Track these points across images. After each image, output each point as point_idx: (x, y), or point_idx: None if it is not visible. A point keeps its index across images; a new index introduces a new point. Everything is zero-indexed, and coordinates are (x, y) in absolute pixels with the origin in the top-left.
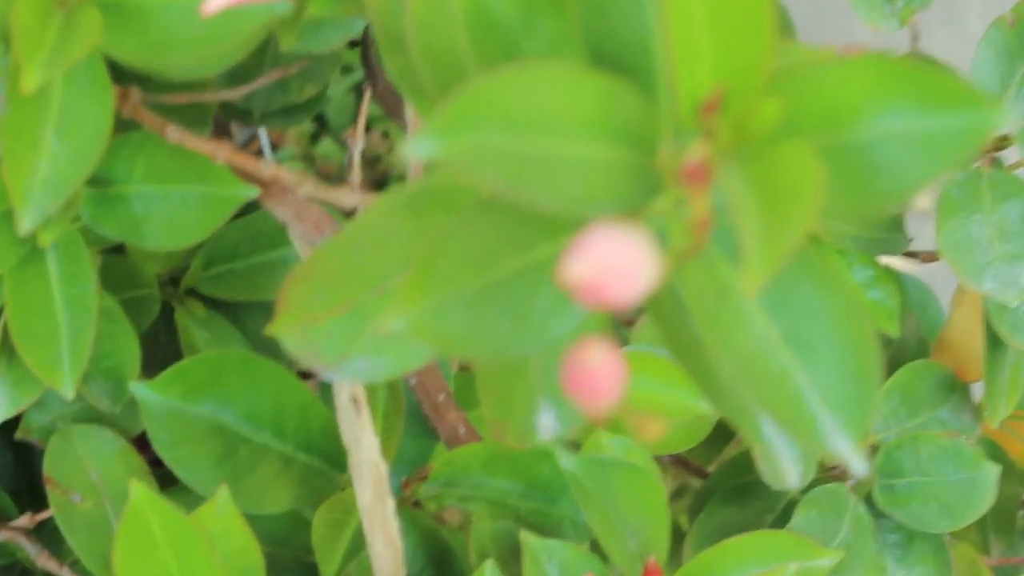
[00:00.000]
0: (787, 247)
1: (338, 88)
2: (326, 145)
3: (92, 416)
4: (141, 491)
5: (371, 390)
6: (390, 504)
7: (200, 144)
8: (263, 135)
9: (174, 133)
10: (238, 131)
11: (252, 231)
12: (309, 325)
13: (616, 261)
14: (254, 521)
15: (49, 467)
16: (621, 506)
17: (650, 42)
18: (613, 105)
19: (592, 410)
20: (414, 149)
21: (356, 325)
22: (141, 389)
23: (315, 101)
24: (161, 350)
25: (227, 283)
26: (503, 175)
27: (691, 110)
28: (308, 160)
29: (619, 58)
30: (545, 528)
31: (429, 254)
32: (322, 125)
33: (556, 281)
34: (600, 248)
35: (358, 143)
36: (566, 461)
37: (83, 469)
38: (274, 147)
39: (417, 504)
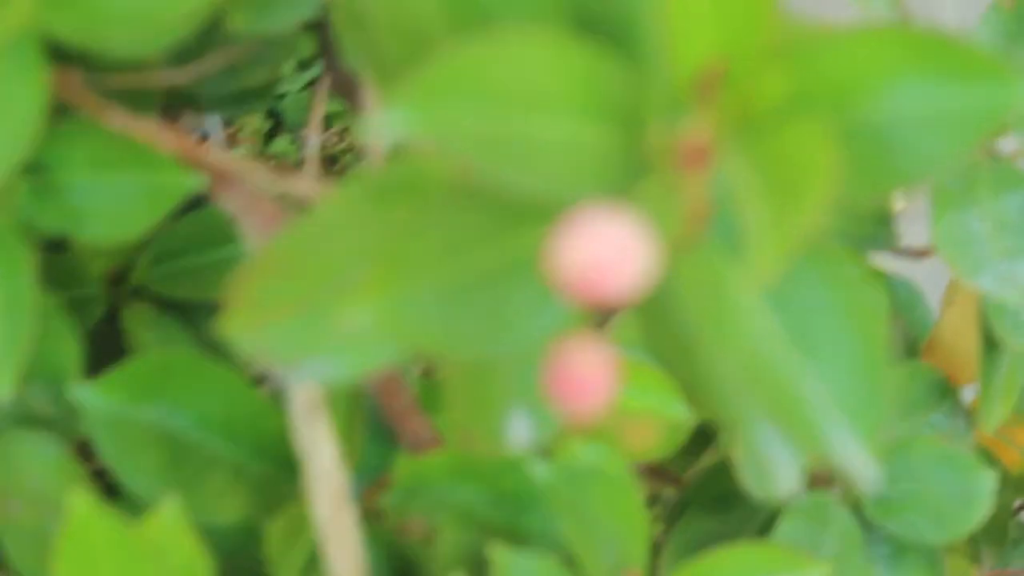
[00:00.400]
0: (796, 237)
1: (294, 84)
2: (282, 143)
3: (33, 420)
4: (81, 500)
5: (330, 394)
6: (350, 515)
7: (144, 129)
8: (216, 124)
9: (117, 118)
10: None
11: (204, 226)
12: (264, 324)
13: (608, 250)
14: (205, 533)
15: None
16: (597, 517)
17: (642, 7)
18: (599, 78)
19: (579, 415)
20: (379, 124)
21: (315, 323)
22: (82, 392)
23: (268, 88)
24: (107, 353)
25: (177, 281)
26: (479, 155)
27: (688, 83)
28: (263, 159)
29: (607, 26)
30: (515, 540)
31: (397, 243)
32: (278, 123)
33: (537, 273)
34: (591, 235)
35: (313, 131)
36: (538, 470)
37: (22, 476)
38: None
39: (378, 515)
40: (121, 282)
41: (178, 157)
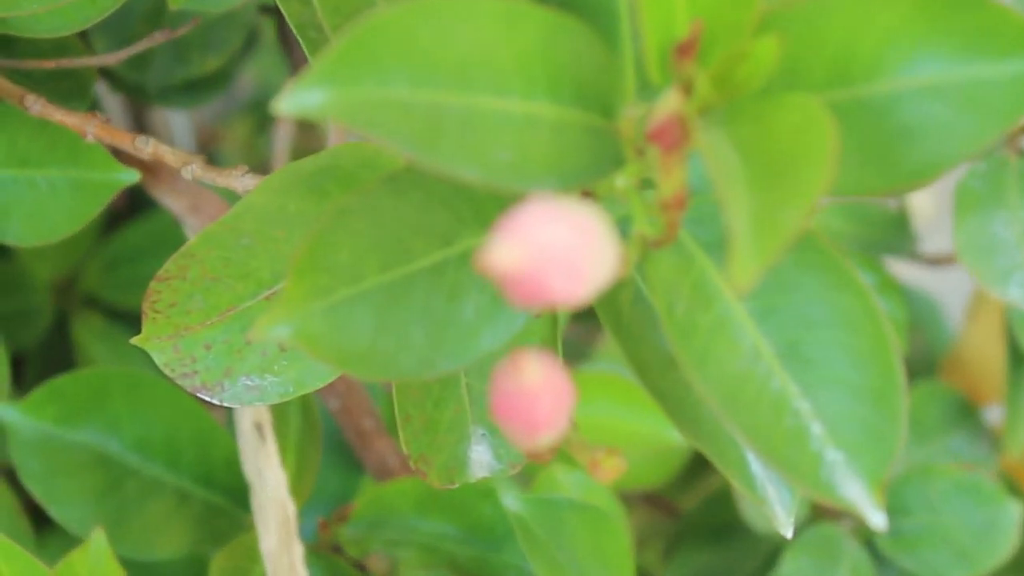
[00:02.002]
0: (787, 232)
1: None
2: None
3: None
4: None
5: (281, 414)
6: (297, 550)
7: (66, 117)
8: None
9: (35, 104)
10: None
11: (159, 229)
12: (183, 335)
13: (558, 244)
14: (143, 569)
15: None
16: (576, 554)
17: None
18: (560, 48)
19: (527, 443)
20: (289, 101)
21: (241, 336)
22: (6, 411)
23: (222, 77)
24: (53, 368)
25: (131, 290)
26: (411, 137)
27: (662, 55)
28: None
29: None
30: None
31: (320, 240)
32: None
33: (482, 273)
34: (538, 226)
35: (282, 123)
36: (509, 501)
37: None
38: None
39: (337, 549)
40: (69, 290)
41: (107, 151)
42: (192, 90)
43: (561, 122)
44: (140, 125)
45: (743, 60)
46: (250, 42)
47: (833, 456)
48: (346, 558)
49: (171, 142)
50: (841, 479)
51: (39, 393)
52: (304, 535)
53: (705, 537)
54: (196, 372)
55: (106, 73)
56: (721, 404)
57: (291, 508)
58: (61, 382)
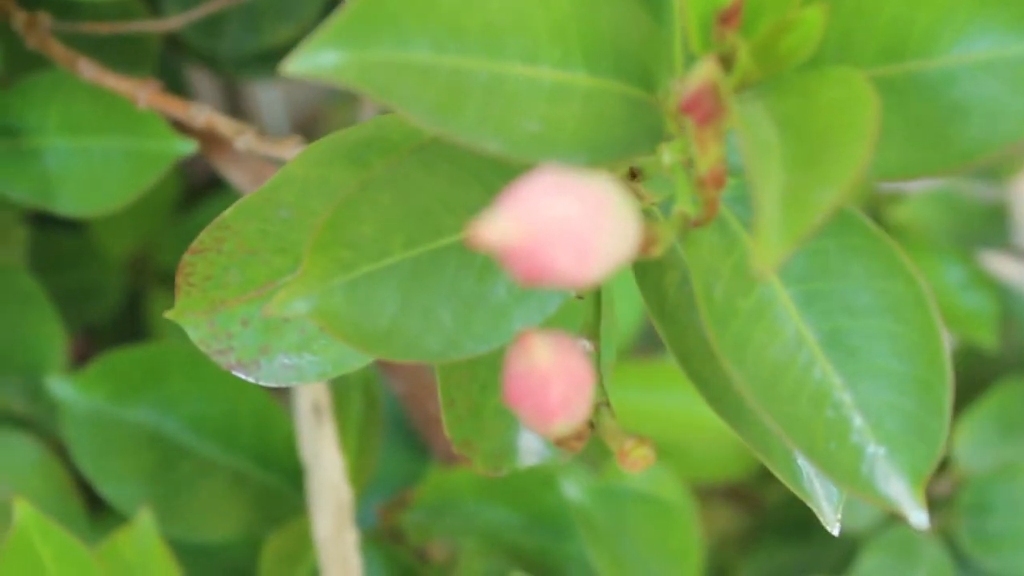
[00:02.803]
0: (820, 212)
1: None
2: None
3: (11, 419)
4: (27, 514)
5: (341, 397)
6: (351, 537)
7: (118, 83)
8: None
9: (88, 69)
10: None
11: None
12: (219, 310)
13: (563, 218)
14: (194, 551)
15: None
16: (639, 547)
17: None
18: (598, 15)
19: (542, 428)
20: (300, 62)
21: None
22: (61, 386)
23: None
24: (125, 345)
25: None
26: (430, 105)
27: (704, 24)
28: None
29: None
30: (548, 570)
31: (343, 213)
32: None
33: (477, 248)
34: (541, 199)
35: (366, 104)
36: (570, 490)
37: None
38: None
39: (397, 536)
40: (143, 266)
41: (164, 119)
42: (266, 61)
43: (597, 92)
44: (234, 108)
45: (788, 30)
46: (327, 14)
47: (874, 451)
48: (406, 546)
49: (264, 124)
50: (882, 475)
51: (94, 369)
52: (366, 521)
53: (785, 533)
54: (232, 349)
55: (178, 43)
56: (758, 394)
57: (347, 493)
58: (117, 358)
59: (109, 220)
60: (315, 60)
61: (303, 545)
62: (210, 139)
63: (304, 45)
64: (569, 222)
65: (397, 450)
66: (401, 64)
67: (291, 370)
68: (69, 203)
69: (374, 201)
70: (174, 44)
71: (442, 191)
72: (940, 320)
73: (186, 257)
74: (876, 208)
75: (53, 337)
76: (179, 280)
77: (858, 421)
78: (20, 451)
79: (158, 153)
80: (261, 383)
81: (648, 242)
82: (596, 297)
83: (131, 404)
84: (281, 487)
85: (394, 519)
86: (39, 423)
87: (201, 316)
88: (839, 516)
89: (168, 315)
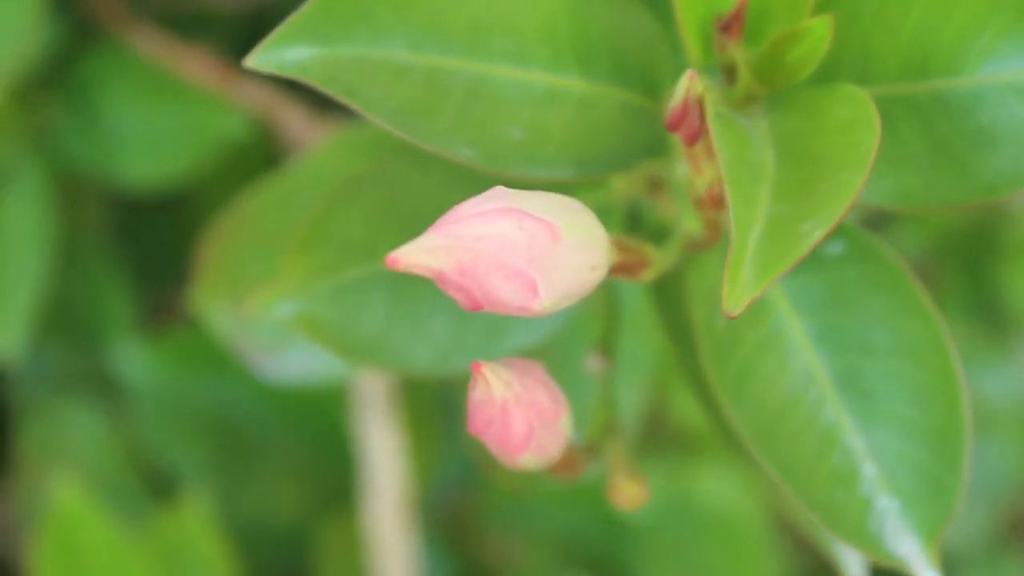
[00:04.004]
0: (807, 246)
1: None
2: None
3: (80, 384)
4: (69, 494)
5: (404, 385)
6: (403, 526)
7: (184, 57)
8: None
9: (155, 42)
10: None
11: None
12: (237, 298)
13: (495, 243)
14: (247, 530)
15: (23, 448)
16: (703, 566)
17: None
18: (595, 15)
19: (508, 461)
20: (264, 57)
21: None
22: (127, 353)
23: None
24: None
25: None
26: (403, 107)
27: (702, 32)
28: None
29: None
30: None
31: (329, 212)
32: None
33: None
34: (472, 223)
35: None
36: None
37: (60, 452)
38: None
39: (460, 529)
40: None
41: (219, 91)
42: None
43: (592, 99)
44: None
45: (796, 41)
46: None
47: (886, 504)
48: (469, 541)
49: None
50: (893, 531)
51: (166, 342)
52: (431, 514)
53: None
54: (252, 338)
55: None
56: (755, 433)
57: (402, 483)
58: (188, 332)
59: (202, 187)
60: (279, 55)
61: (356, 532)
62: (275, 113)
63: (270, 38)
64: (506, 248)
65: (466, 439)
66: (374, 62)
67: (304, 367)
68: (132, 172)
69: (362, 201)
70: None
71: (434, 191)
72: (960, 366)
73: (204, 244)
74: (994, 224)
75: (121, 300)
76: (197, 267)
77: (869, 471)
78: (81, 422)
79: (216, 126)
80: (280, 374)
81: (636, 265)
82: (610, 312)
83: (196, 374)
84: (337, 472)
85: (457, 514)
86: (106, 392)
87: (220, 304)
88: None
89: (188, 302)
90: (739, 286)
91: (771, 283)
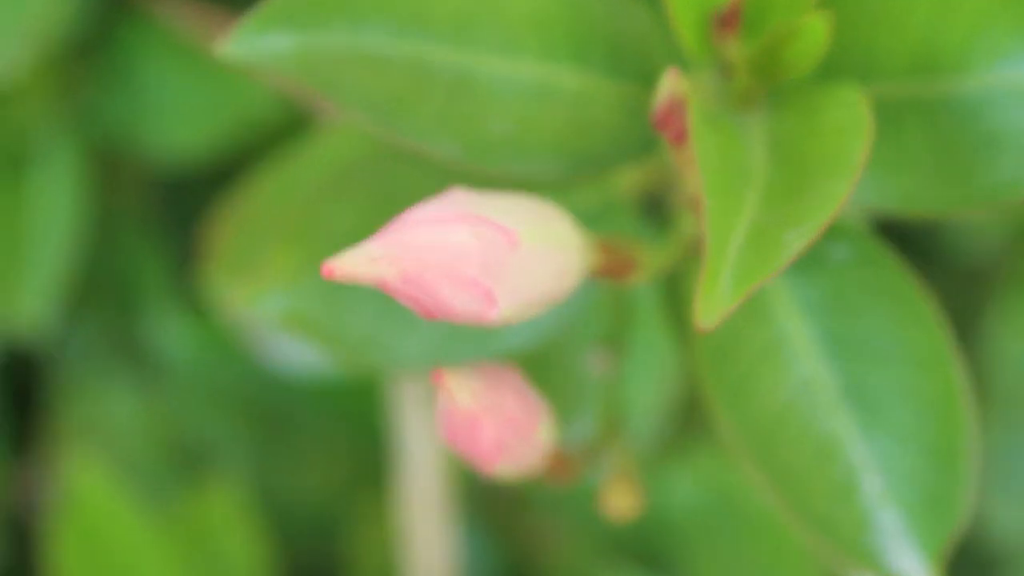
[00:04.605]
0: (790, 255)
1: None
2: None
3: (116, 357)
4: (89, 477)
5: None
6: (442, 512)
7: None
8: None
9: (182, 9)
10: None
11: None
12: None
13: (445, 251)
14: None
15: (59, 425)
16: (744, 560)
17: None
18: (590, 5)
19: (484, 470)
20: (237, 47)
21: None
22: (166, 328)
23: None
24: None
25: None
26: (384, 100)
27: (699, 27)
28: None
29: None
30: (654, 567)
31: (319, 205)
32: None
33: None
34: (420, 229)
35: None
36: (682, 489)
37: (95, 424)
38: None
39: (504, 517)
40: None
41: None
42: None
43: (587, 92)
44: None
45: (795, 37)
46: None
47: (886, 518)
48: (511, 524)
49: None
50: (893, 547)
51: (204, 319)
52: (473, 500)
53: None
54: (256, 323)
55: None
56: (751, 441)
57: (441, 466)
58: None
59: (246, 162)
60: (253, 45)
61: (388, 521)
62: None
63: (243, 24)
64: (457, 257)
65: None
66: (353, 52)
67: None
68: (169, 143)
69: (353, 194)
70: None
71: (430, 188)
72: (965, 378)
73: (211, 227)
74: None
75: (154, 272)
76: (203, 251)
77: (869, 484)
78: (119, 399)
79: (252, 98)
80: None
81: (621, 268)
82: (617, 309)
83: (235, 355)
84: (375, 454)
85: (501, 501)
86: (143, 369)
87: (224, 289)
88: None
89: (205, 272)
90: (714, 298)
91: (749, 294)
